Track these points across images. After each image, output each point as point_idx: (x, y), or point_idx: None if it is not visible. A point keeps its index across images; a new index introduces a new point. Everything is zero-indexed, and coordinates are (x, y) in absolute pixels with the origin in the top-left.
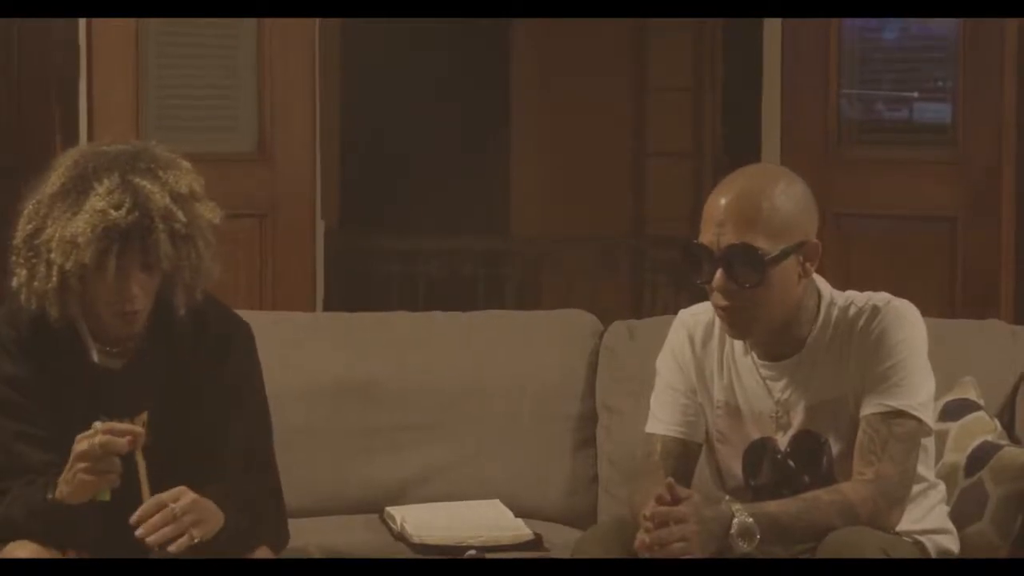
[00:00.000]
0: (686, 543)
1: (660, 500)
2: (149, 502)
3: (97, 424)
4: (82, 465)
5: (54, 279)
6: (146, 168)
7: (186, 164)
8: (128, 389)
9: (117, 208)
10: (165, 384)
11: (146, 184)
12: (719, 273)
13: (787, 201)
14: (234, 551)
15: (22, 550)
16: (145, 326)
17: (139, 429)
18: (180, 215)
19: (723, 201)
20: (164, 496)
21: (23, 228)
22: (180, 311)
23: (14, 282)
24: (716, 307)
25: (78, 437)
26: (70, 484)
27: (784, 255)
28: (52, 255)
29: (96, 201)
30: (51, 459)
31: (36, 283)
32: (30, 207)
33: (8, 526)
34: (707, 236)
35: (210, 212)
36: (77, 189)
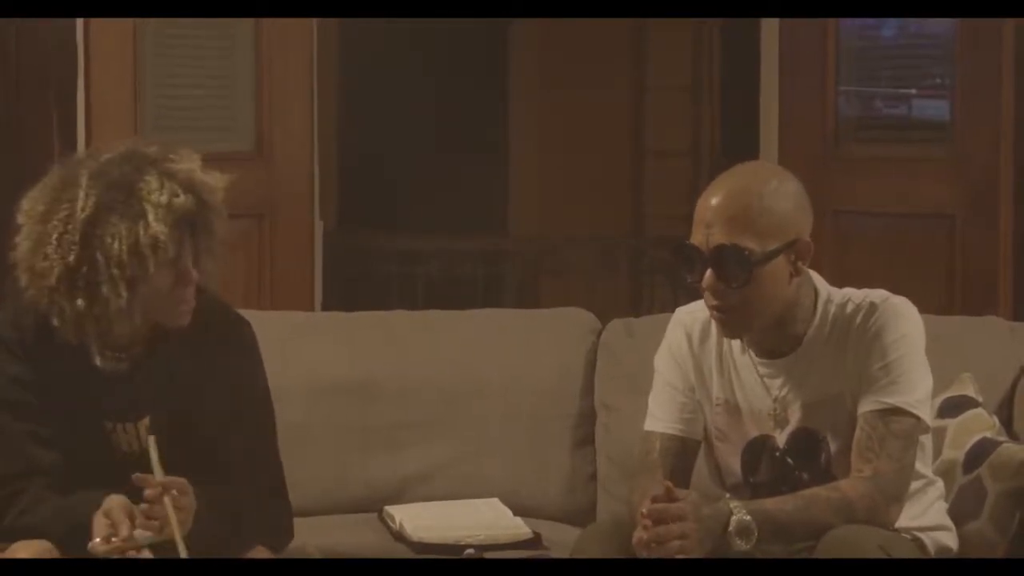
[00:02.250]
0: (684, 541)
1: (657, 500)
2: (158, 487)
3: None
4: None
5: (123, 294)
6: (164, 157)
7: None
8: (131, 392)
9: (176, 196)
10: (168, 386)
11: (182, 167)
12: (708, 273)
13: (777, 200)
14: (219, 553)
15: (25, 550)
16: (152, 328)
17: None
18: (215, 184)
19: (713, 201)
20: (173, 485)
21: (59, 264)
22: (215, 287)
23: (56, 320)
24: (708, 306)
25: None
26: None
27: (773, 255)
28: (115, 271)
29: (155, 197)
30: (58, 458)
31: (97, 308)
32: (54, 243)
33: (31, 531)
34: (697, 236)
35: (222, 180)
36: (119, 199)
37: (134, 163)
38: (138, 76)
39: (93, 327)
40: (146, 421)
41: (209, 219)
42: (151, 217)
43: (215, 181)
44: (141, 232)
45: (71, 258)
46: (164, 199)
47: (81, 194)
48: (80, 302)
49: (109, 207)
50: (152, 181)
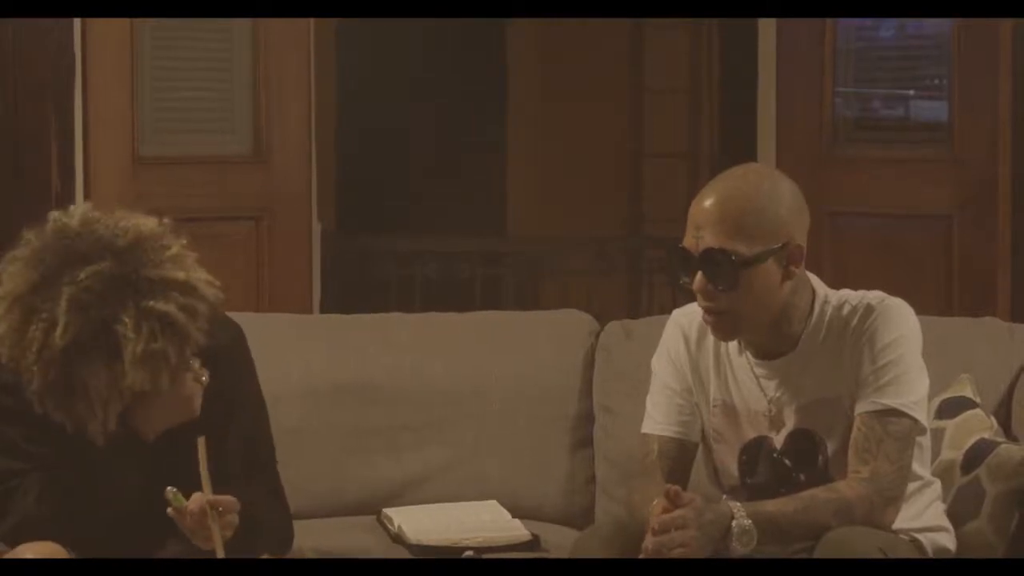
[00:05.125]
0: (684, 549)
1: (666, 509)
2: (206, 503)
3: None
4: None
5: (99, 416)
6: (147, 287)
7: (148, 224)
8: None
9: (153, 339)
10: None
11: (160, 307)
12: (698, 276)
13: (769, 204)
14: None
15: (32, 551)
16: None
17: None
18: (199, 307)
19: (704, 204)
20: (218, 504)
21: (39, 375)
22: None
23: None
24: (700, 307)
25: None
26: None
27: (761, 258)
28: (93, 393)
29: (134, 347)
30: (52, 454)
31: (71, 420)
32: (33, 354)
33: (30, 522)
34: (689, 239)
35: (208, 286)
36: (98, 338)
37: (115, 290)
38: (136, 79)
39: (71, 426)
40: (203, 440)
41: (189, 348)
42: (128, 363)
43: (202, 306)
44: (118, 375)
45: (51, 375)
46: (140, 348)
47: (61, 321)
48: (59, 414)
49: (87, 344)
50: (129, 323)
